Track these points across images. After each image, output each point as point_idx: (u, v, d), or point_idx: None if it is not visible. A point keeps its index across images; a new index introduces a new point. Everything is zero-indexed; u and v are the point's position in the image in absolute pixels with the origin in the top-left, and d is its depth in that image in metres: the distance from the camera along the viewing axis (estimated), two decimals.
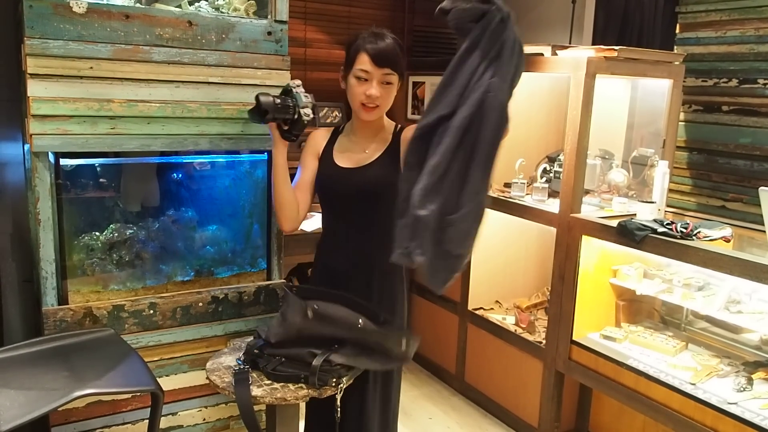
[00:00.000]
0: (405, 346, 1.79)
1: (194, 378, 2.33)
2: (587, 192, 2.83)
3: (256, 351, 1.87)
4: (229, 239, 2.47)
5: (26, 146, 2.17)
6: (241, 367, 1.86)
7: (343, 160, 2.03)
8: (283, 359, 1.83)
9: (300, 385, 1.79)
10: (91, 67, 1.96)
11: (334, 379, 1.78)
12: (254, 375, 1.83)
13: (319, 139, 2.12)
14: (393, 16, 4.10)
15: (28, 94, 1.90)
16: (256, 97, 1.87)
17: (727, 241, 2.27)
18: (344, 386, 1.80)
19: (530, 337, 2.96)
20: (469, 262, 3.26)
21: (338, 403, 1.80)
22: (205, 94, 2.16)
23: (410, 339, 1.80)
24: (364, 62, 1.89)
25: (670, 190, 2.89)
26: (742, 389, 2.21)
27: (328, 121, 3.71)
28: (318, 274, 2.16)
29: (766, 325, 2.22)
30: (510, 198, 3.01)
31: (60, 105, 1.93)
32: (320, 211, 3.27)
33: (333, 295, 1.90)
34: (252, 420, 1.76)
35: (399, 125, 2.05)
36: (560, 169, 2.86)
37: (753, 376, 2.29)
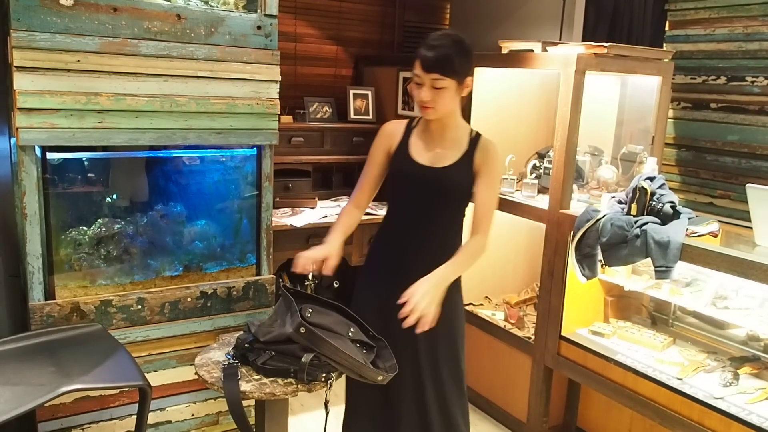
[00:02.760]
0: (382, 379, 1.81)
1: (183, 373, 2.32)
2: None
3: (246, 345, 1.86)
4: (218, 234, 2.46)
5: (12, 140, 2.15)
6: (231, 361, 1.85)
7: (419, 155, 2.05)
8: (273, 353, 1.83)
9: (289, 380, 1.78)
10: (79, 60, 1.95)
11: (324, 375, 1.78)
12: (243, 370, 1.82)
13: (392, 136, 2.11)
14: (384, 11, 4.09)
15: (14, 87, 1.88)
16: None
17: (715, 236, 2.29)
18: (333, 382, 1.79)
19: (519, 333, 2.97)
20: None
21: (327, 398, 1.80)
22: (194, 88, 2.15)
23: (389, 375, 1.82)
24: (417, 67, 1.94)
25: None
26: (728, 384, 2.23)
27: (318, 116, 3.70)
28: (378, 258, 2.16)
29: (753, 320, 2.24)
30: (500, 194, 3.01)
31: (47, 98, 1.91)
32: (310, 206, 3.29)
33: (328, 303, 1.93)
34: (241, 415, 1.75)
35: (475, 131, 2.07)
36: (550, 166, 2.86)
37: (739, 371, 2.31)
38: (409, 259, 2.03)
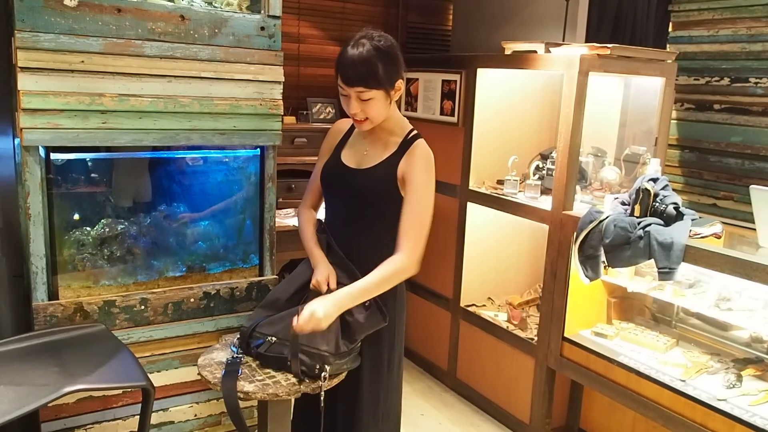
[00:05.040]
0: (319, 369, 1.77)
1: (186, 374, 2.32)
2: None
3: (249, 332, 1.87)
4: (221, 235, 2.46)
5: (16, 140, 2.15)
6: (235, 355, 1.86)
7: (348, 157, 1.99)
8: (274, 340, 1.83)
9: (292, 381, 1.79)
10: (83, 61, 1.95)
11: (317, 366, 1.76)
12: (246, 371, 1.83)
13: (337, 134, 2.08)
14: (387, 12, 4.10)
15: (19, 87, 1.88)
16: None
17: (718, 237, 2.28)
18: (327, 374, 1.77)
19: (522, 334, 2.97)
20: (462, 259, 3.27)
21: (322, 397, 1.78)
22: (198, 89, 2.15)
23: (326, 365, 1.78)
24: (339, 79, 1.82)
25: None
26: (731, 386, 2.23)
27: (321, 117, 3.70)
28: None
29: (756, 322, 2.24)
30: (503, 195, 3.02)
31: (51, 99, 1.92)
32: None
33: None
34: (236, 412, 1.73)
35: (412, 132, 1.94)
36: (553, 167, 2.86)
37: (742, 373, 2.31)
38: (345, 259, 1.95)
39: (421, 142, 1.91)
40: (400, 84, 1.88)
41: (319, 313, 1.75)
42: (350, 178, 1.94)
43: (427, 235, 1.88)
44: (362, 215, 1.94)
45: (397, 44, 1.88)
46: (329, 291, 1.86)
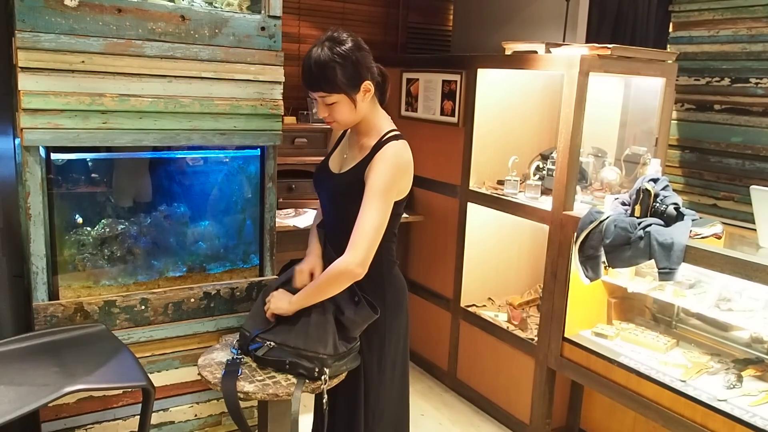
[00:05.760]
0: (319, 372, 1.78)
1: (186, 374, 2.32)
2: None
3: (249, 335, 1.87)
4: (222, 235, 2.47)
5: (17, 140, 2.15)
6: (235, 357, 1.86)
7: (334, 160, 2.01)
8: (273, 344, 1.83)
9: (292, 381, 1.79)
10: (83, 61, 1.95)
11: (317, 369, 1.77)
12: (246, 371, 1.83)
13: (334, 138, 2.10)
14: (387, 12, 4.09)
15: (19, 87, 1.88)
16: None
17: (718, 238, 2.28)
18: (327, 376, 1.77)
19: (522, 334, 2.97)
20: (462, 259, 3.27)
21: (325, 395, 1.79)
22: (198, 89, 2.15)
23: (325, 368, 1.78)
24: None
25: None
26: (731, 386, 2.23)
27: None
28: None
29: (756, 322, 2.24)
30: (503, 195, 3.02)
31: (51, 99, 1.92)
32: (313, 207, 3.29)
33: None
34: (237, 412, 1.74)
35: (388, 134, 1.88)
36: (553, 167, 2.86)
37: (743, 373, 2.31)
38: (333, 258, 1.93)
39: (391, 145, 1.84)
40: (368, 85, 1.83)
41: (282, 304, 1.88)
42: (329, 181, 1.97)
43: (377, 237, 1.82)
44: (340, 217, 1.95)
45: (363, 45, 1.84)
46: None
